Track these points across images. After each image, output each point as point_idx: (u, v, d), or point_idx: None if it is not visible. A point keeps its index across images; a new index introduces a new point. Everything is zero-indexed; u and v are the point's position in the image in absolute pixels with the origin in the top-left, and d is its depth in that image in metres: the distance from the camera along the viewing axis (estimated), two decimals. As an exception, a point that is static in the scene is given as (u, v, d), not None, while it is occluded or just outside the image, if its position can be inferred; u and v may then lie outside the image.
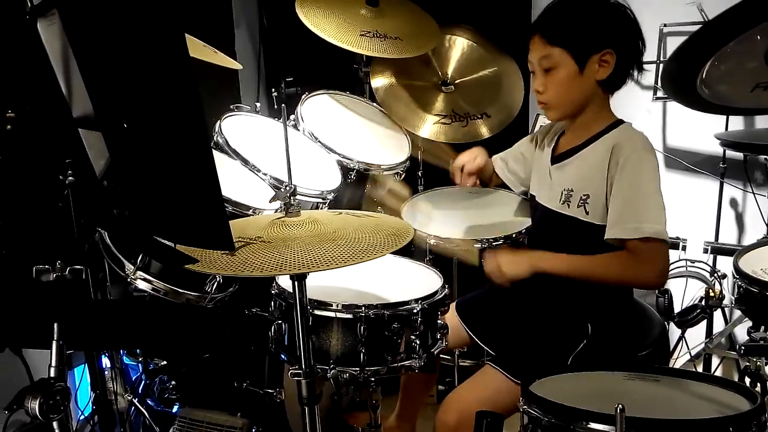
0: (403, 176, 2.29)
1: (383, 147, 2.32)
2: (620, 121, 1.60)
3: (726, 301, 1.86)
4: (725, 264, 2.01)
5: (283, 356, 1.56)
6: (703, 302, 1.87)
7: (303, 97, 2.29)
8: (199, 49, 2.04)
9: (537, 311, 1.66)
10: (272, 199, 1.39)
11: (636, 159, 1.49)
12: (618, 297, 1.63)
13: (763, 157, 2.39)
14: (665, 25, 2.46)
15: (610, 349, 1.56)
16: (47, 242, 1.28)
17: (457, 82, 2.50)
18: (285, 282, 1.57)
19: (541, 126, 2.04)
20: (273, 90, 2.53)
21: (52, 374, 1.12)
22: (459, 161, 1.96)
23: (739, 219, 2.57)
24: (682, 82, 1.61)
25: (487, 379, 1.57)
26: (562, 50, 1.53)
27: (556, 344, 1.57)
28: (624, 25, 1.56)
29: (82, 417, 1.91)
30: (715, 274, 2.01)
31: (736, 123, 2.46)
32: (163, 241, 1.16)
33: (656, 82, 2.49)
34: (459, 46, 2.55)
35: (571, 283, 1.54)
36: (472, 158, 1.94)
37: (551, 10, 1.58)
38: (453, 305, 1.82)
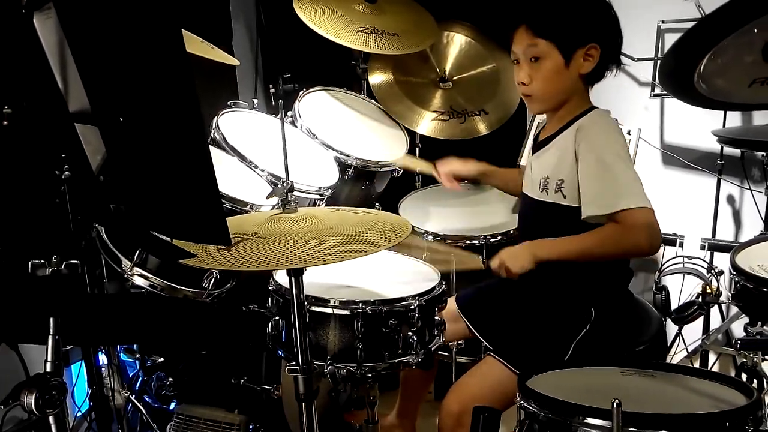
0: (401, 173, 2.29)
1: (381, 143, 2.32)
2: (592, 107, 1.61)
3: (723, 298, 1.85)
4: (722, 260, 2.01)
5: (280, 352, 1.56)
6: (700, 299, 1.87)
7: (300, 93, 2.29)
8: (196, 45, 2.04)
9: (540, 300, 1.66)
10: (269, 195, 1.39)
11: (596, 133, 1.51)
12: (618, 282, 1.64)
13: (760, 153, 2.39)
14: (663, 22, 2.46)
15: (610, 338, 1.56)
16: (43, 237, 1.28)
17: (455, 78, 2.50)
18: (282, 278, 1.57)
19: (538, 123, 2.05)
20: (270, 86, 2.52)
21: (48, 369, 1.12)
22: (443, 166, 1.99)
23: (736, 215, 2.57)
24: (680, 77, 1.61)
25: (489, 369, 1.57)
26: (548, 42, 1.53)
27: (559, 331, 1.57)
28: (607, 20, 1.57)
29: (79, 414, 1.90)
30: (712, 271, 2.01)
31: (734, 119, 2.46)
32: (160, 236, 1.16)
33: (654, 79, 2.48)
34: (457, 42, 2.55)
35: (573, 268, 1.54)
36: (455, 164, 1.97)
37: (537, 1, 1.59)
38: (453, 299, 1.82)
